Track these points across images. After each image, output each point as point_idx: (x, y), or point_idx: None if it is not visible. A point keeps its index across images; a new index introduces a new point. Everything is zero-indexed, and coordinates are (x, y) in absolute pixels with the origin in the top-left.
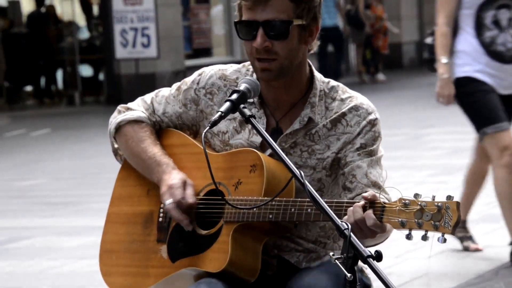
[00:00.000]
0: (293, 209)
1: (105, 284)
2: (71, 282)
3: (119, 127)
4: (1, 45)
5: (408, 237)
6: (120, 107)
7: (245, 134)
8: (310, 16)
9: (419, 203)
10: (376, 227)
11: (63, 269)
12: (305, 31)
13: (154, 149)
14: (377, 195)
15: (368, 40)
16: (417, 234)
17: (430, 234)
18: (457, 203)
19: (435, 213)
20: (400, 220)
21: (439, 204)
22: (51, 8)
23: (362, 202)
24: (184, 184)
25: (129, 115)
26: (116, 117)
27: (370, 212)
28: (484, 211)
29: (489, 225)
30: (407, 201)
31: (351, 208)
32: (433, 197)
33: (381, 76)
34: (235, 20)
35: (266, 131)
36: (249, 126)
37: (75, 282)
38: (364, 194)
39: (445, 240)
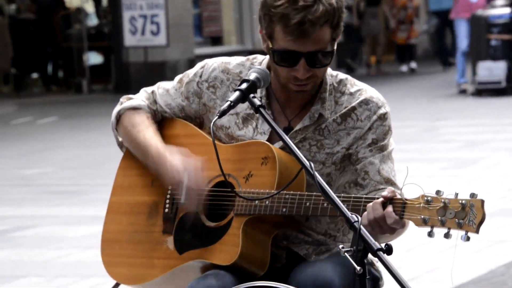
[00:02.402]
0: (308, 203)
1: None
2: (77, 272)
3: (119, 117)
4: (8, 31)
5: (430, 234)
6: (122, 98)
7: (248, 132)
8: (340, 30)
9: (442, 200)
10: (397, 224)
11: (69, 258)
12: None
13: (146, 133)
14: (396, 191)
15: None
16: (439, 231)
17: (453, 232)
18: (482, 201)
19: (459, 211)
20: (422, 217)
21: (463, 201)
22: None
23: (381, 199)
24: (188, 173)
25: (128, 103)
26: (117, 108)
27: (390, 209)
28: (498, 206)
29: (502, 219)
30: (429, 198)
31: (371, 205)
32: (456, 194)
33: (407, 66)
34: (270, 47)
35: None
36: (253, 124)
37: (81, 271)
38: (383, 194)
39: (468, 239)
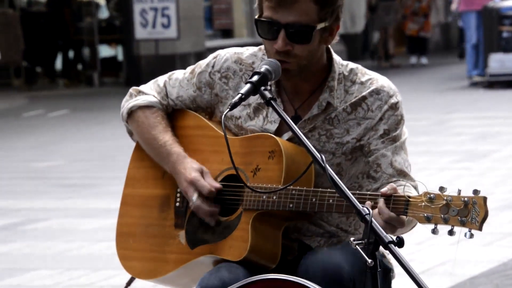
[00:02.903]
0: (314, 199)
1: (122, 267)
2: (89, 265)
3: (130, 112)
4: (20, 24)
5: (434, 231)
6: (132, 89)
7: (259, 121)
8: (333, 17)
9: (445, 197)
10: (391, 219)
11: (80, 251)
12: (326, 32)
13: (165, 137)
14: (398, 188)
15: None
16: (443, 228)
17: (457, 229)
18: (484, 198)
19: (461, 209)
20: (425, 215)
21: (466, 199)
22: None
23: (383, 200)
24: (202, 174)
25: (140, 100)
26: (128, 101)
27: (381, 204)
28: (508, 199)
29: None
30: (432, 195)
31: (376, 212)
32: (459, 192)
33: (416, 59)
34: (255, 17)
35: None
36: (264, 113)
37: (93, 264)
38: (382, 190)
39: (472, 236)
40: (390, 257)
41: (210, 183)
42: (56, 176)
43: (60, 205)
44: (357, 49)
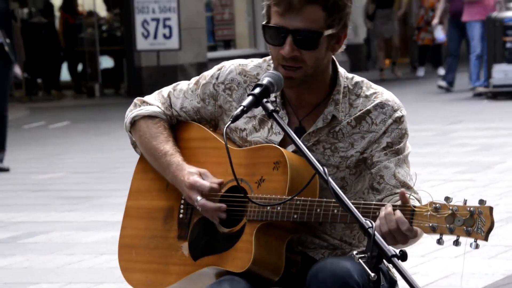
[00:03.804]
0: (318, 210)
1: (123, 280)
2: (89, 278)
3: (134, 122)
4: (21, 36)
5: (439, 241)
6: (136, 100)
7: (263, 132)
8: (340, 25)
9: (450, 207)
10: (410, 231)
11: (81, 264)
12: (334, 39)
13: (165, 147)
14: (411, 196)
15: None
16: (448, 238)
17: (462, 239)
18: (490, 208)
19: (467, 218)
20: (431, 224)
21: (472, 209)
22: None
23: (390, 209)
24: (201, 175)
25: (144, 110)
26: (131, 111)
27: (400, 214)
28: None
29: None
30: (438, 205)
31: (383, 216)
32: (465, 201)
33: (423, 70)
34: (263, 23)
35: None
36: (269, 125)
37: (93, 278)
38: (401, 191)
39: (477, 246)
40: (394, 271)
41: (210, 181)
42: (57, 188)
43: (60, 217)
44: (360, 59)
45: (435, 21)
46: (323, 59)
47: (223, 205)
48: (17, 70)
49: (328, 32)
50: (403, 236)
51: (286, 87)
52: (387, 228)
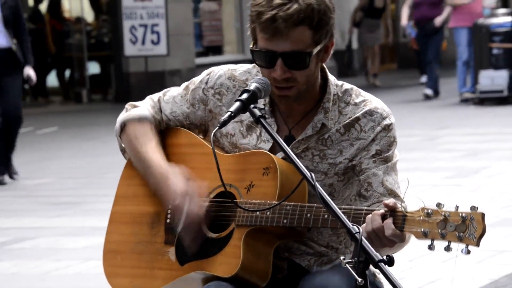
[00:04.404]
0: (309, 215)
1: (110, 286)
2: (77, 284)
3: (124, 126)
4: None
5: (430, 247)
6: (128, 105)
7: (252, 140)
8: (327, 37)
9: (443, 213)
10: (395, 236)
11: (68, 270)
12: (322, 52)
13: (152, 153)
14: (398, 204)
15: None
16: (439, 244)
17: (453, 245)
18: (482, 215)
19: (459, 224)
20: (422, 230)
21: (464, 215)
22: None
23: (382, 211)
24: (189, 198)
25: (132, 113)
26: (122, 115)
27: (389, 221)
28: (501, 215)
29: (506, 229)
30: (429, 210)
31: (370, 216)
32: (457, 207)
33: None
34: (251, 47)
35: None
36: (257, 132)
37: (81, 283)
38: (386, 201)
39: (469, 252)
40: (381, 276)
41: (199, 210)
42: (44, 194)
43: (48, 223)
44: (349, 65)
45: (404, 22)
46: (314, 74)
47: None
48: (30, 72)
49: (316, 49)
50: (388, 239)
51: (282, 105)
52: (371, 227)
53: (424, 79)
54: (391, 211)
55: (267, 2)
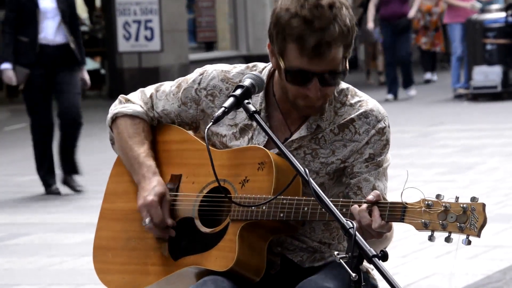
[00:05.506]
0: (306, 208)
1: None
2: (71, 280)
3: (115, 118)
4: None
5: (431, 238)
6: (121, 97)
7: (243, 142)
8: (351, 48)
9: (443, 204)
10: (382, 227)
11: (62, 266)
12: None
13: (140, 148)
14: (380, 195)
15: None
16: (439, 235)
17: (454, 236)
18: (483, 205)
19: (460, 215)
20: (423, 221)
21: (464, 205)
22: None
23: (366, 205)
24: (161, 201)
25: (126, 108)
26: (115, 107)
27: (376, 213)
28: (494, 211)
29: (499, 225)
30: (430, 202)
31: (357, 212)
32: (457, 198)
33: (430, 74)
34: (282, 66)
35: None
36: (249, 135)
37: (75, 279)
38: (368, 197)
39: (469, 242)
40: (374, 272)
41: (165, 215)
42: (38, 190)
43: (42, 219)
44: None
45: (371, 25)
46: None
47: (168, 235)
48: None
49: (346, 63)
50: (376, 232)
51: (305, 115)
52: (362, 224)
53: (429, 75)
54: (391, 203)
55: (305, 24)
